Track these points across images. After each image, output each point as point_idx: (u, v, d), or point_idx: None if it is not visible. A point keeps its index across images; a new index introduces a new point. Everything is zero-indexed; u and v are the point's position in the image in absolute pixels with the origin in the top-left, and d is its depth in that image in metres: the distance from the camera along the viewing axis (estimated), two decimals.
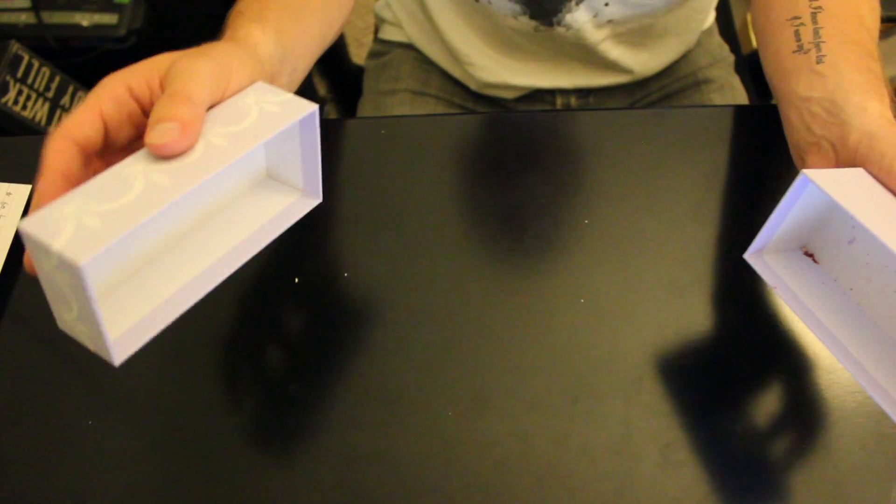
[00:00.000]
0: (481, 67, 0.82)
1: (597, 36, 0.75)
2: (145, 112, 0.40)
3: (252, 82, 0.41)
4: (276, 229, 0.44)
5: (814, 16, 0.48)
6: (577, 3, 0.71)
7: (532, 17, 0.73)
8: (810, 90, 0.46)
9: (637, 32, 0.77)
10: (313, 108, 0.40)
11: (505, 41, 0.79)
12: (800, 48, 0.48)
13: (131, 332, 0.38)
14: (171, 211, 0.41)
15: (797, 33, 0.48)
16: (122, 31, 1.13)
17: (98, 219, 0.33)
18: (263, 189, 0.46)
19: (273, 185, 0.46)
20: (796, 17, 0.48)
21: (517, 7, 0.73)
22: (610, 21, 0.74)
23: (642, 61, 0.82)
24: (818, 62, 0.46)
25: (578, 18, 0.73)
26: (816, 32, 0.47)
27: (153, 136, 0.36)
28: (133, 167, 0.36)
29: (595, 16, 0.73)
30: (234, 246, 0.42)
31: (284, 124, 0.39)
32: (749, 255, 0.46)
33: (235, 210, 0.44)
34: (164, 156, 0.36)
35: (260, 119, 0.39)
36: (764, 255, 0.47)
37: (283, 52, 0.47)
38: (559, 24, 0.73)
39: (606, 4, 0.72)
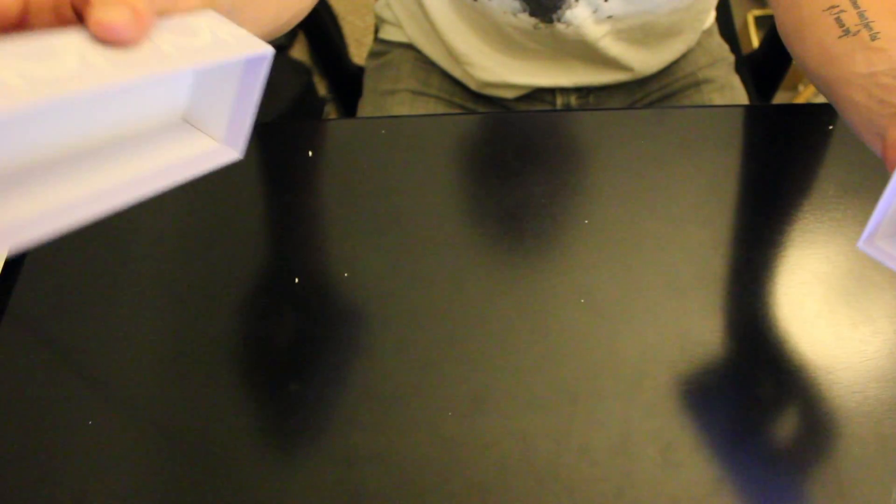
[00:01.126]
0: (481, 67, 0.82)
1: (597, 32, 0.75)
2: (73, 9, 0.35)
3: (201, 9, 0.39)
4: (185, 172, 0.40)
5: (853, 1, 0.48)
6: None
7: (532, 14, 0.74)
8: (872, 66, 0.45)
9: (638, 30, 0.77)
10: (268, 49, 0.37)
11: (504, 40, 0.79)
12: (846, 32, 0.47)
13: (5, 231, 0.33)
14: (76, 117, 0.36)
15: (839, 20, 0.48)
16: None
17: (21, 79, 0.28)
18: (179, 130, 0.42)
19: (189, 129, 0.42)
20: (834, 6, 0.48)
21: (517, 4, 0.73)
22: (610, 17, 0.74)
23: (643, 59, 0.82)
24: (873, 39, 0.46)
25: (578, 14, 0.73)
26: (861, 15, 0.47)
27: (100, 13, 0.31)
28: (65, 39, 0.31)
29: (595, 11, 0.73)
30: (136, 176, 0.38)
31: (239, 54, 0.36)
32: (863, 244, 0.43)
33: (145, 143, 0.40)
34: (107, 40, 0.32)
35: (213, 43, 0.36)
36: (876, 241, 0.44)
37: (233, 1, 0.44)
38: (559, 20, 0.73)
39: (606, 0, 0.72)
